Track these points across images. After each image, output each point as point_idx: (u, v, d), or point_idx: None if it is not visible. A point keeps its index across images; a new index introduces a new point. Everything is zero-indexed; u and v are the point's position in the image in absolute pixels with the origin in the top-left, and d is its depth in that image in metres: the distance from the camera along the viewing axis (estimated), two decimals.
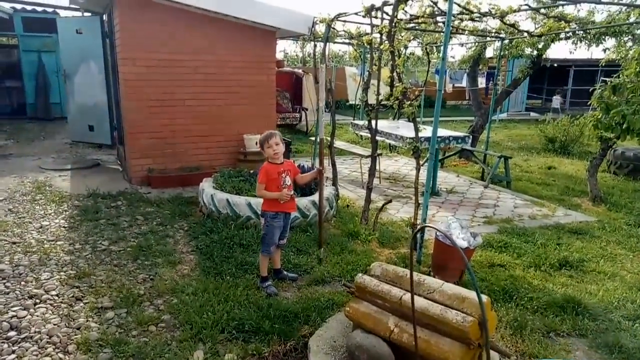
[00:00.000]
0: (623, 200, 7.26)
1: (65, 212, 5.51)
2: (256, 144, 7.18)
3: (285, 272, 4.13)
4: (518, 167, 9.63)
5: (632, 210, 6.75)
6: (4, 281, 3.74)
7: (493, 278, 4.22)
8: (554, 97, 20.97)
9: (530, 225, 5.86)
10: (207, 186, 5.69)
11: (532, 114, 21.03)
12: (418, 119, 12.41)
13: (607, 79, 7.06)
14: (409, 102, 4.61)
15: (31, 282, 3.76)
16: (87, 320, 3.29)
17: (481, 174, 8.67)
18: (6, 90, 13.97)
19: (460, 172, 9.14)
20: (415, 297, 2.80)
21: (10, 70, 13.67)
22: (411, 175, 8.55)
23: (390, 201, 5.41)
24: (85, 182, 6.74)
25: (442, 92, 4.45)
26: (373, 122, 5.51)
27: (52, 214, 5.39)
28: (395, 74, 4.58)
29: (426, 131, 6.37)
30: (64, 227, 5.01)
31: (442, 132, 7.67)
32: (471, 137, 7.59)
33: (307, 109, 14.05)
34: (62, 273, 3.94)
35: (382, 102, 5.33)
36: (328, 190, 5.87)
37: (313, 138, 8.84)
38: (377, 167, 8.51)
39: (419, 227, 4.17)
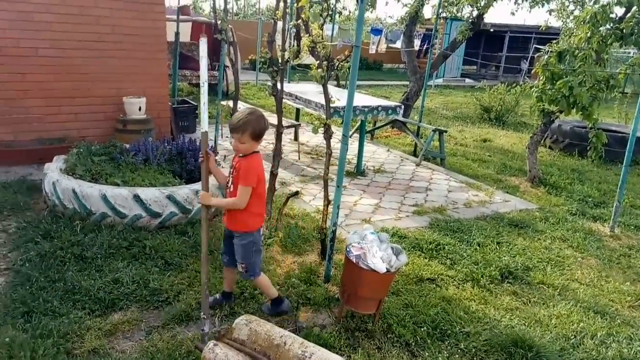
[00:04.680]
0: (562, 182, 6.59)
1: None
2: (139, 109, 5.67)
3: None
4: (453, 139, 8.81)
5: (572, 194, 6.08)
6: None
7: (421, 303, 3.21)
8: (522, 61, 20.99)
9: (465, 216, 4.96)
10: (53, 168, 4.20)
11: (467, 80, 20.58)
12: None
13: (541, 47, 6.21)
14: (319, 61, 3.36)
15: None
16: None
17: (414, 148, 7.72)
18: None
19: (392, 144, 8.15)
20: None
21: None
22: (338, 149, 7.41)
23: (296, 193, 4.23)
24: None
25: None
26: (279, 85, 4.23)
27: None
28: (300, 22, 3.29)
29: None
30: None
31: (371, 100, 6.55)
32: (403, 107, 6.54)
33: (228, 67, 12.36)
34: None
35: (290, 62, 4.07)
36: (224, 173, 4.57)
37: (225, 103, 7.41)
38: (298, 139, 7.32)
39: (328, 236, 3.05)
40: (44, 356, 2.39)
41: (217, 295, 3.04)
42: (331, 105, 3.58)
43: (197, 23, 12.91)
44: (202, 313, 2.43)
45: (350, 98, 3.08)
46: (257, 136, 2.59)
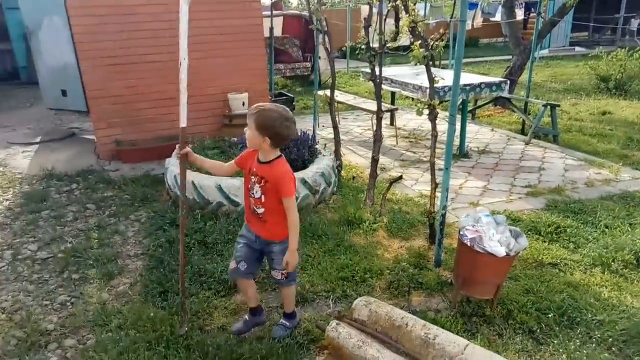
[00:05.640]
0: None
1: (7, 201, 4.56)
2: (243, 104, 5.99)
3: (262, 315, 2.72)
4: (565, 114, 8.06)
5: None
6: None
7: (543, 288, 3.00)
8: (632, 19, 18.80)
9: (588, 197, 4.52)
10: (173, 163, 4.58)
11: (577, 48, 18.62)
12: (446, 62, 10.72)
13: None
14: (421, 40, 3.26)
15: None
16: None
17: (521, 126, 7.20)
18: None
19: (496, 123, 7.68)
20: None
21: None
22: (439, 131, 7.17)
23: (399, 178, 4.17)
24: (49, 159, 5.77)
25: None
26: (377, 70, 4.18)
27: None
28: (399, 2, 3.21)
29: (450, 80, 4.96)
30: None
31: (473, 78, 6.21)
32: (508, 81, 6.10)
33: (320, 57, 12.51)
34: None
35: (388, 45, 4.00)
36: (325, 161, 4.67)
37: (321, 92, 7.51)
38: (395, 124, 7.20)
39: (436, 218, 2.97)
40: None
41: (246, 317, 2.67)
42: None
43: (288, 17, 13.25)
44: (181, 314, 2.61)
45: (457, 76, 2.94)
46: (263, 128, 2.25)
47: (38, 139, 6.82)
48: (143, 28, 5.51)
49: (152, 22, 5.52)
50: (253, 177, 2.38)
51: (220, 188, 4.04)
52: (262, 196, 2.36)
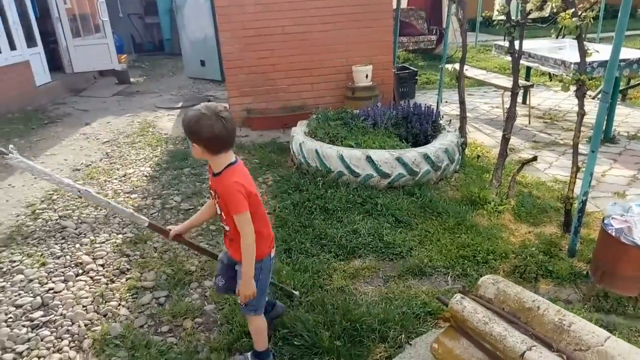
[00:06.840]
0: None
1: (156, 157, 5.18)
2: (366, 76, 5.99)
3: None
4: None
5: None
6: (63, 241, 3.44)
7: None
8: None
9: None
10: (298, 132, 4.79)
11: None
12: (592, 36, 9.60)
13: None
14: (573, 11, 2.94)
15: (86, 245, 3.39)
16: (119, 304, 2.78)
17: None
18: (147, 27, 14.66)
19: None
20: None
21: (149, 6, 14.19)
22: (575, 113, 6.48)
23: (534, 159, 3.87)
24: None
25: None
26: (516, 43, 3.88)
27: (142, 160, 5.10)
28: None
29: (600, 54, 4.42)
30: (146, 176, 4.66)
31: (629, 52, 5.46)
32: None
33: (443, 29, 11.96)
34: (119, 236, 3.52)
35: (531, 16, 3.69)
36: (449, 137, 4.52)
37: (448, 66, 7.21)
38: (529, 102, 6.66)
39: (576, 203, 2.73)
40: (303, 286, 2.81)
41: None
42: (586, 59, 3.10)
43: None
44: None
45: (617, 48, 2.61)
46: (210, 141, 1.87)
47: (180, 104, 7.60)
48: (280, 0, 5.75)
49: None
50: (212, 191, 2.08)
51: (342, 158, 4.15)
52: (222, 213, 2.06)
